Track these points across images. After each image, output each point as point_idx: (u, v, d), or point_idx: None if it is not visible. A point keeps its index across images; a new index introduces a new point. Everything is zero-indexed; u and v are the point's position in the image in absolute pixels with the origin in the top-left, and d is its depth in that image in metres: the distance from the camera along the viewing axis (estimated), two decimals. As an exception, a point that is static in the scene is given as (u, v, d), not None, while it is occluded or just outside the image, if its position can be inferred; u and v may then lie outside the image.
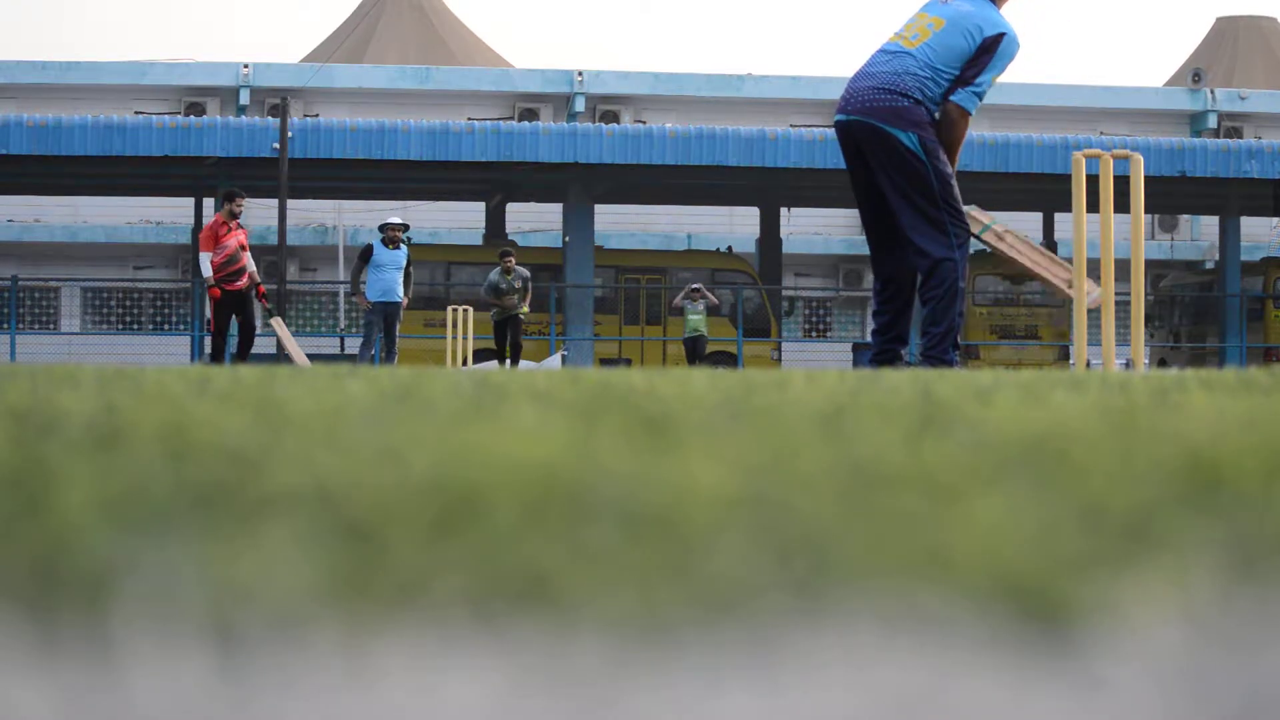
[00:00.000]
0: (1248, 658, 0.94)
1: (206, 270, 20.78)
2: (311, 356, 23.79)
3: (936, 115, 9.59)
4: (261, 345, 27.34)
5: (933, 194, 9.56)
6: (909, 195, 9.55)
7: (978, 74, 9.54)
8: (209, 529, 1.36)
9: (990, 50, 9.53)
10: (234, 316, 21.02)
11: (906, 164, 9.51)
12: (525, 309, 27.72)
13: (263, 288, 21.95)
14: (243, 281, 20.85)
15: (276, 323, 22.47)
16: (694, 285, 34.90)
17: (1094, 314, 11.10)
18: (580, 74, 49.54)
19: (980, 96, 9.63)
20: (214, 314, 21.03)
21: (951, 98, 9.55)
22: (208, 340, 36.10)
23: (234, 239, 20.89)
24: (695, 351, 33.95)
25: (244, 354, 20.94)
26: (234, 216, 20.98)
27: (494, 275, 27.54)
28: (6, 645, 0.94)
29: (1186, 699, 0.87)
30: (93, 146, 33.30)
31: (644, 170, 35.97)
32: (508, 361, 26.24)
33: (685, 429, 2.48)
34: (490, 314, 27.96)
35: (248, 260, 21.06)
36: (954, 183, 9.63)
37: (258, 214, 44.71)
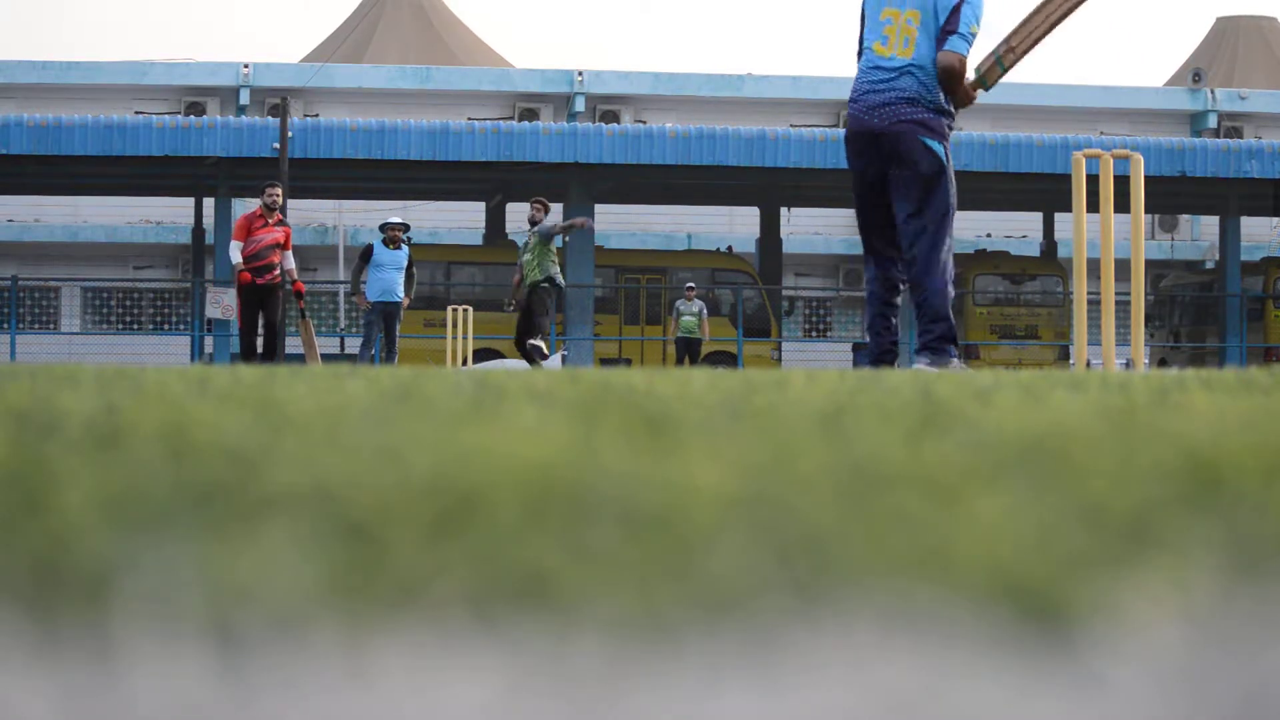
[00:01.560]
0: (1248, 658, 0.94)
1: (235, 258, 20.30)
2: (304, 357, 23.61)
3: (952, 109, 9.78)
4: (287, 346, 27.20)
5: (944, 205, 9.73)
6: (920, 205, 9.71)
7: (958, 23, 9.70)
8: (209, 529, 1.36)
9: (959, 4, 9.68)
10: (259, 313, 20.48)
11: (927, 175, 9.70)
12: (539, 274, 22.15)
13: (300, 284, 21.45)
14: (263, 280, 20.31)
15: (305, 324, 22.23)
16: (689, 284, 34.90)
17: (1094, 314, 11.11)
18: (580, 74, 49.55)
19: (966, 39, 9.73)
20: (239, 310, 20.58)
21: (942, 48, 9.69)
22: (208, 340, 36.16)
23: (269, 235, 20.36)
24: (688, 352, 33.88)
25: (271, 354, 20.36)
26: (270, 210, 20.45)
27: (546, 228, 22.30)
28: (6, 645, 0.94)
29: (1186, 699, 0.87)
30: (93, 146, 33.30)
31: (644, 170, 35.96)
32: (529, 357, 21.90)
33: (685, 429, 2.48)
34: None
35: (282, 259, 20.48)
36: (954, 206, 9.81)
37: (258, 214, 44.68)
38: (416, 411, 2.95)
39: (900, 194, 9.73)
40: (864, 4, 9.96)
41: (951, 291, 9.81)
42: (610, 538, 1.30)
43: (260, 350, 20.60)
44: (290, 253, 20.75)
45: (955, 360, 9.67)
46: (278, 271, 20.54)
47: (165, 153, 33.63)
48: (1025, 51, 9.87)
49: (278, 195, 20.70)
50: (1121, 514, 1.46)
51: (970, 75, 9.88)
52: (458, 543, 1.27)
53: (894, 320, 9.90)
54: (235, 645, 0.94)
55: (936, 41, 9.68)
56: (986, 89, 9.95)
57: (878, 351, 9.85)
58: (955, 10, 9.68)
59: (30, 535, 1.30)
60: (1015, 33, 9.87)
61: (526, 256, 22.18)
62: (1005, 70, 9.91)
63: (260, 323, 20.62)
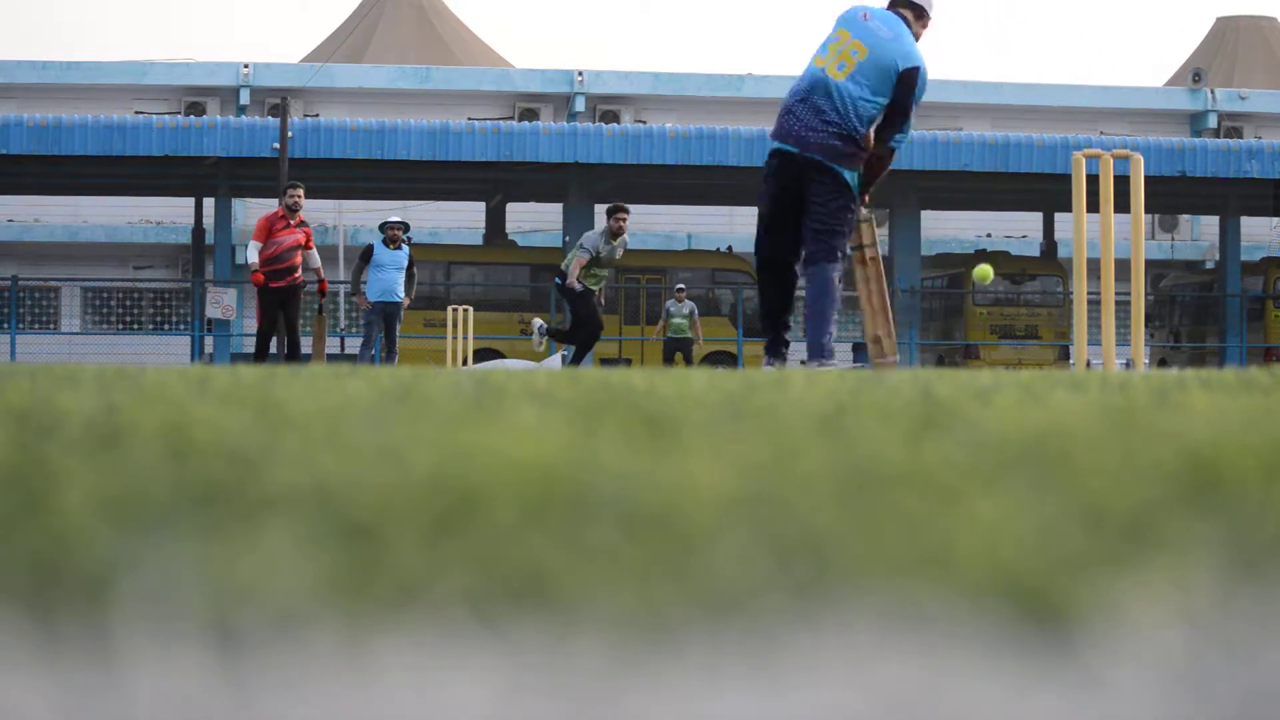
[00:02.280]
0: (1248, 658, 0.95)
1: (252, 257, 19.96)
2: (310, 356, 23.42)
3: (864, 135, 10.22)
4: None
5: (845, 225, 10.24)
6: (829, 218, 10.20)
7: (904, 118, 10.18)
8: (209, 529, 1.36)
9: (910, 86, 10.08)
10: (279, 315, 20.09)
11: (840, 195, 10.17)
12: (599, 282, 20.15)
13: (325, 284, 20.98)
14: (284, 282, 19.96)
15: (320, 320, 22.04)
16: (679, 286, 34.78)
17: (1094, 314, 11.30)
18: (580, 74, 49.55)
19: (907, 133, 10.25)
20: (258, 309, 20.15)
21: (889, 142, 10.21)
22: (208, 340, 36.12)
23: (290, 237, 20.06)
24: (680, 350, 33.68)
25: (294, 356, 19.95)
26: (292, 211, 20.10)
27: (596, 236, 20.06)
28: (6, 645, 0.94)
29: (1186, 699, 0.87)
30: (93, 146, 33.30)
31: (644, 170, 35.96)
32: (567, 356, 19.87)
33: (685, 429, 2.48)
34: (575, 282, 19.94)
35: (307, 259, 20.19)
36: (856, 218, 10.33)
37: (258, 214, 44.70)
38: (416, 411, 2.95)
39: (813, 205, 10.19)
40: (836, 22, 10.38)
41: (833, 297, 10.34)
42: (610, 538, 1.30)
43: (284, 352, 20.23)
44: (314, 252, 20.41)
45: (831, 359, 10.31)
46: (299, 273, 20.24)
47: (165, 153, 33.63)
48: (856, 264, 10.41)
49: (300, 197, 20.37)
50: (1121, 514, 1.46)
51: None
52: (458, 543, 1.27)
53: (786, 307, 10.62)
54: (235, 645, 0.95)
55: (876, 109, 10.08)
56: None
57: (773, 343, 10.59)
58: (905, 89, 10.05)
59: (30, 535, 1.30)
60: (874, 266, 10.41)
61: (618, 257, 20.29)
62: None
63: (282, 324, 20.22)
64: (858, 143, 10.08)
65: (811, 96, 10.11)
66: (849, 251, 10.35)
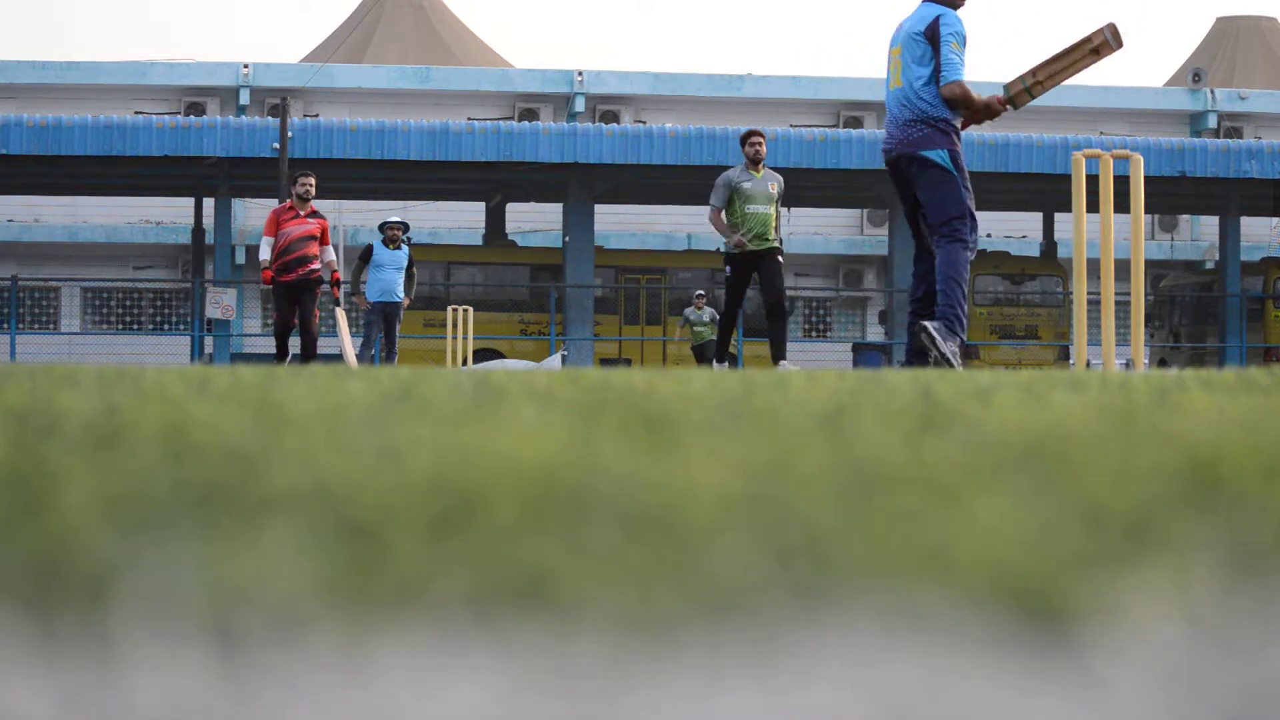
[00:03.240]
0: (1248, 658, 0.94)
1: (264, 254, 19.14)
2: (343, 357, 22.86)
3: (942, 119, 10.72)
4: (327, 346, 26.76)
5: (951, 201, 10.58)
6: (932, 199, 10.62)
7: (941, 52, 10.68)
8: (209, 529, 1.35)
9: (934, 36, 10.65)
10: (294, 311, 19.29)
11: (931, 175, 10.62)
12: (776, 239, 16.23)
13: (337, 274, 19.96)
14: (294, 275, 19.19)
15: (340, 313, 21.72)
16: (699, 293, 34.84)
17: (1094, 314, 11.49)
18: (580, 74, 49.54)
19: (954, 65, 10.69)
20: (275, 306, 19.38)
21: (940, 84, 10.74)
22: (208, 340, 36.11)
23: (300, 227, 19.23)
24: (704, 357, 33.87)
25: (308, 355, 19.22)
26: (303, 201, 19.24)
27: (734, 173, 16.54)
28: (6, 645, 0.94)
29: (1186, 699, 0.87)
30: (93, 146, 33.29)
31: (644, 170, 35.95)
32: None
33: (685, 429, 2.48)
34: (728, 243, 16.11)
35: (321, 253, 19.36)
36: (971, 194, 10.78)
37: (258, 214, 44.74)
38: (416, 411, 2.95)
39: (921, 193, 10.71)
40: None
41: (965, 275, 10.66)
42: (610, 538, 1.30)
43: (298, 352, 19.39)
44: (329, 247, 19.50)
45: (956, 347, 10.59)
46: (314, 266, 19.38)
47: (165, 153, 33.61)
48: (1051, 86, 10.71)
49: (310, 185, 19.41)
50: (1121, 514, 1.46)
51: (1000, 93, 10.89)
52: (458, 543, 1.27)
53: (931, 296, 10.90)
54: (235, 645, 0.94)
55: (932, 77, 10.68)
56: (1015, 109, 10.92)
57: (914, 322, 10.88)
58: (931, 39, 10.66)
59: (30, 535, 1.30)
60: (1044, 67, 10.73)
61: (773, 192, 16.53)
62: (1033, 98, 10.89)
63: (296, 321, 19.40)
64: (933, 123, 10.60)
65: (893, 112, 10.78)
66: (972, 241, 10.63)
